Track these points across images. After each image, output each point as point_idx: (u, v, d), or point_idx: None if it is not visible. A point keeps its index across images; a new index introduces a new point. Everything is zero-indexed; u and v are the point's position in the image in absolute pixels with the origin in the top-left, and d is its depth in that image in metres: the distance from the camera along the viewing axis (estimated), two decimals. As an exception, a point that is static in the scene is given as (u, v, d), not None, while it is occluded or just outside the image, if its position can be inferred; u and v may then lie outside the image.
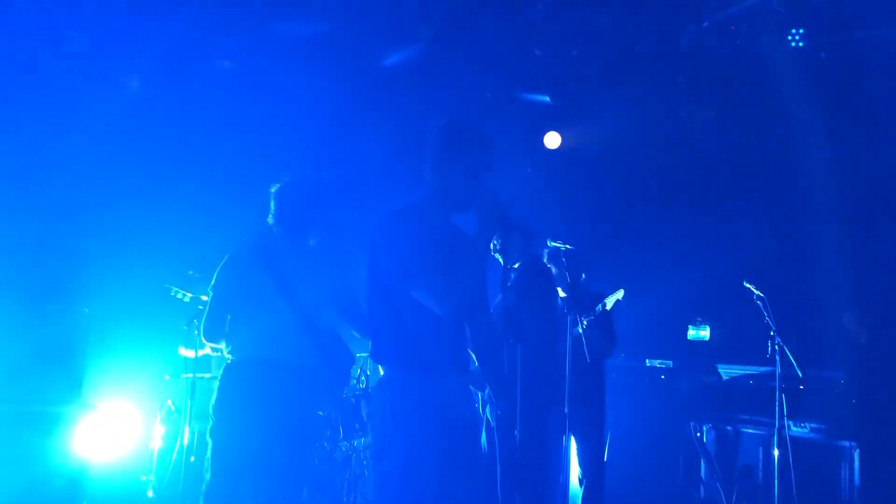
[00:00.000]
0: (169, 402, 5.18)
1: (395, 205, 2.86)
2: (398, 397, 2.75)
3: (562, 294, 5.00)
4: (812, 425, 5.43)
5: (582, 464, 4.76)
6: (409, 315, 2.72)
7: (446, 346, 2.80)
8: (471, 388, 2.99)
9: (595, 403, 4.81)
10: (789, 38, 5.65)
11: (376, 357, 2.86)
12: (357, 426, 5.15)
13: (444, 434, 2.72)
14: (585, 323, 4.64)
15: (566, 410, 4.25)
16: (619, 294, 4.76)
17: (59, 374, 5.16)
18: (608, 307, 4.78)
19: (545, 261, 4.85)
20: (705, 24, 5.67)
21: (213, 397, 3.50)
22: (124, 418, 5.65)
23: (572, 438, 4.75)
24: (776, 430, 4.88)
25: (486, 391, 3.47)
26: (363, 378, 5.40)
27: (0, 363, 4.80)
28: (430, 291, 2.66)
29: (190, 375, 4.99)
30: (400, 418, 2.73)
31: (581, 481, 4.77)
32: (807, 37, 5.64)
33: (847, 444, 5.25)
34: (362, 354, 5.58)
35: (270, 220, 3.68)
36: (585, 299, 4.88)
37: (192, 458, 4.67)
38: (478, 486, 2.81)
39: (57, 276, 5.48)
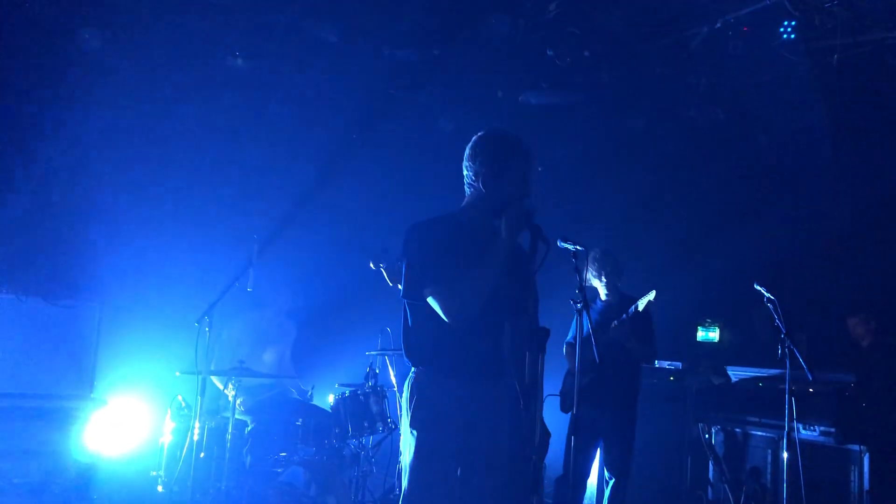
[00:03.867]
0: (179, 397, 5.20)
1: (429, 214, 2.95)
2: (422, 398, 2.82)
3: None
4: (821, 428, 5.42)
5: (610, 465, 4.81)
6: (436, 318, 2.77)
7: (481, 350, 2.84)
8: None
9: (629, 406, 4.91)
10: (801, 38, 5.62)
11: (410, 357, 2.93)
12: (366, 424, 5.17)
13: (463, 437, 2.78)
14: (615, 325, 4.74)
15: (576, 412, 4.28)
16: (651, 295, 4.77)
17: (71, 370, 5.23)
18: (640, 309, 4.80)
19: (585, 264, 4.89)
20: (718, 24, 5.64)
21: None
22: (135, 413, 5.68)
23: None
24: (785, 432, 4.86)
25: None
26: (373, 376, 5.42)
27: (14, 358, 4.85)
28: (434, 296, 2.75)
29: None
30: (422, 419, 2.80)
31: (607, 482, 4.83)
32: (819, 38, 5.61)
33: (856, 447, 5.23)
34: (372, 353, 5.60)
35: None
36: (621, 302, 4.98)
37: (202, 454, 4.69)
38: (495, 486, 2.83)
39: (69, 272, 5.52)
